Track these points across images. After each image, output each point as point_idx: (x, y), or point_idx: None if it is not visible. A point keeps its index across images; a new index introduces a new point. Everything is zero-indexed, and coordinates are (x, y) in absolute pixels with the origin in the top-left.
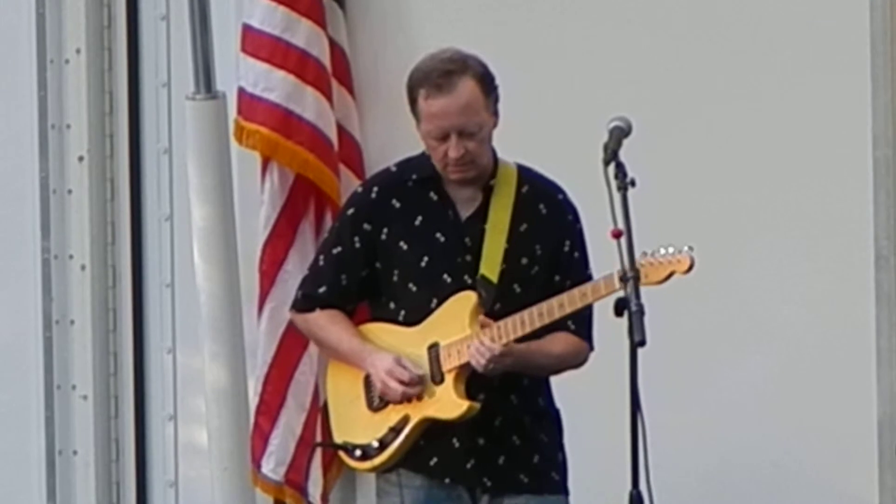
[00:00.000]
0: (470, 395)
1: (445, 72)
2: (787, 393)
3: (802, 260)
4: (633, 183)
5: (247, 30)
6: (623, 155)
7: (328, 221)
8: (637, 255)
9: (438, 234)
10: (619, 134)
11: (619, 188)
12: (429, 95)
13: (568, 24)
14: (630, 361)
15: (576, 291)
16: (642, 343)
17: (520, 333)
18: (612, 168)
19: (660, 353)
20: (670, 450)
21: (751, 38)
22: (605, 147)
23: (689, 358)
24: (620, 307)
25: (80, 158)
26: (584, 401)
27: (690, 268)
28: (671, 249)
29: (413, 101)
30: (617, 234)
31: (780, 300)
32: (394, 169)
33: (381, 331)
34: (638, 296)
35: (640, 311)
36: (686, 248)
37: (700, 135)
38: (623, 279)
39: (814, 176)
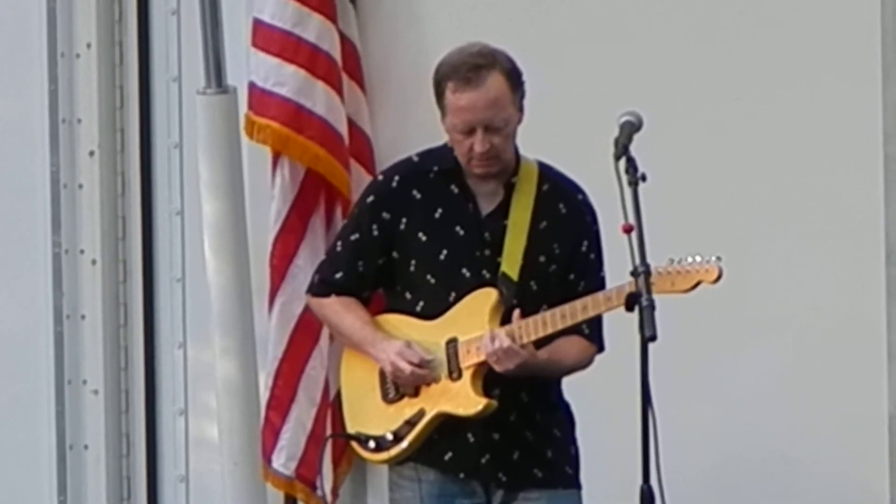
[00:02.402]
0: (486, 390)
1: (475, 66)
2: (798, 388)
3: (813, 255)
4: (643, 178)
5: (257, 24)
6: (634, 150)
7: (339, 216)
8: (664, 261)
9: (458, 228)
10: (630, 129)
11: (629, 183)
12: (457, 89)
13: (579, 19)
14: (641, 356)
15: (600, 295)
16: (653, 338)
17: (541, 334)
18: (622, 163)
19: (670, 348)
20: (681, 444)
21: (762, 34)
22: (616, 142)
23: (699, 353)
24: (631, 302)
25: (91, 153)
26: (595, 395)
27: (718, 278)
28: (699, 258)
29: (440, 95)
30: (628, 229)
31: (790, 295)
32: (416, 159)
33: (398, 322)
34: (649, 291)
35: (651, 306)
36: (714, 259)
37: (710, 130)
38: (634, 274)
39: (824, 172)
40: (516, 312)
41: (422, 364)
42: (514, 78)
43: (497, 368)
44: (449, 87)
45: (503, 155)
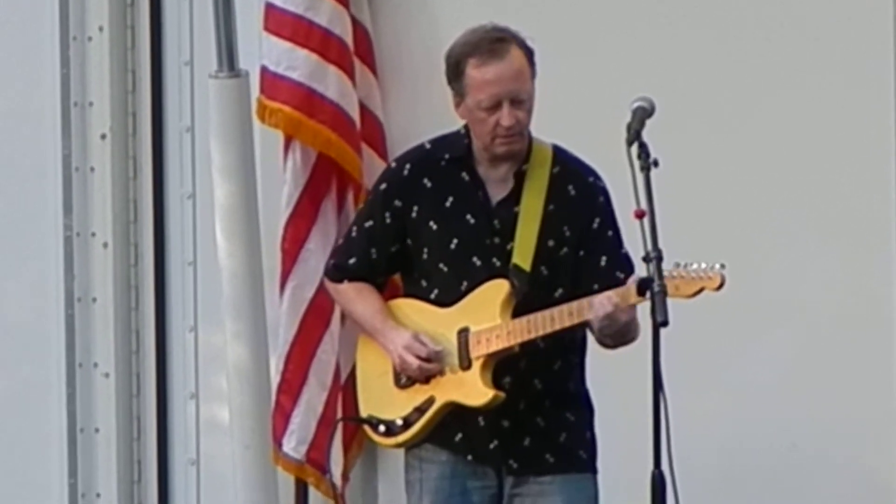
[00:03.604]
0: (495, 379)
1: (496, 39)
2: (807, 378)
3: (823, 247)
4: (656, 163)
5: (270, 8)
6: (646, 136)
7: (350, 200)
8: (670, 264)
9: (468, 216)
10: (643, 114)
11: (642, 168)
12: (481, 63)
13: (592, 7)
14: (653, 342)
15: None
16: (665, 323)
17: (549, 330)
18: (634, 148)
19: (682, 338)
20: (692, 432)
21: (775, 29)
22: (629, 127)
23: (710, 343)
24: (643, 287)
25: (103, 136)
26: (607, 381)
27: (721, 286)
28: (703, 265)
29: (459, 74)
30: (640, 215)
31: (801, 287)
32: (428, 146)
33: (410, 308)
34: (661, 276)
35: (663, 292)
36: (718, 266)
37: (721, 122)
38: (646, 259)
39: (835, 165)
40: None
41: (429, 357)
42: (529, 53)
43: (604, 330)
44: (471, 64)
45: (525, 132)
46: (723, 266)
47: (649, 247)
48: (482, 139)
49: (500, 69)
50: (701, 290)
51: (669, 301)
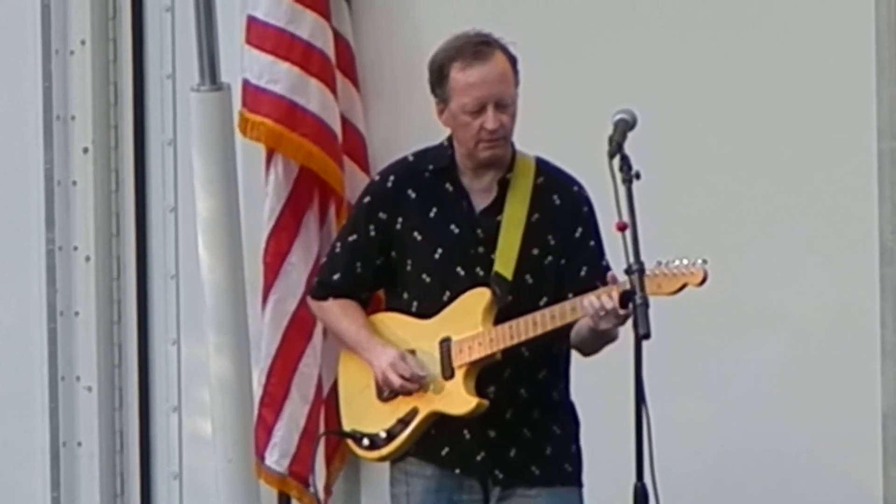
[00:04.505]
0: (479, 388)
1: (480, 43)
2: (792, 385)
3: (807, 252)
4: (637, 175)
5: (251, 21)
6: (628, 147)
7: (332, 213)
8: (652, 263)
9: (453, 226)
10: (624, 126)
11: (623, 181)
12: (466, 66)
13: (575, 16)
14: (635, 354)
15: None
16: (647, 336)
17: (531, 335)
18: (616, 160)
19: (665, 345)
20: (675, 441)
21: (756, 31)
22: (610, 139)
23: (693, 350)
24: (625, 300)
25: (85, 150)
26: (589, 393)
27: (704, 280)
28: (685, 261)
29: (443, 79)
30: (622, 227)
31: (784, 293)
32: (411, 158)
33: (392, 321)
34: (643, 289)
35: (645, 304)
36: (700, 261)
37: (705, 126)
38: (628, 272)
39: (819, 169)
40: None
41: (412, 379)
42: (513, 60)
43: (594, 324)
44: (455, 67)
45: (509, 137)
46: (704, 261)
47: (631, 259)
48: (466, 145)
49: (484, 72)
50: (684, 287)
51: (653, 300)
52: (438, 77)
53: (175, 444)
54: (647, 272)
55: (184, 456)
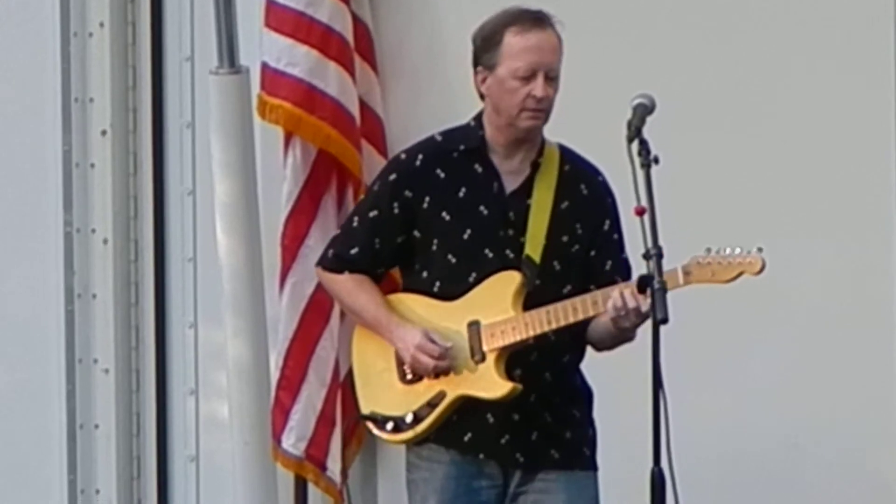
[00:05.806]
0: (507, 372)
1: (537, 12)
2: (808, 376)
3: (824, 246)
4: (656, 160)
5: (270, 4)
6: (646, 134)
7: (350, 197)
8: (702, 251)
9: (482, 207)
10: (643, 111)
11: (642, 165)
12: (524, 30)
13: (594, 4)
14: (653, 339)
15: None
16: (665, 320)
17: (570, 320)
18: (635, 145)
19: (683, 336)
20: (692, 430)
21: (775, 29)
22: (629, 124)
23: (711, 341)
24: (643, 284)
25: (103, 132)
26: (607, 378)
27: (762, 269)
28: (739, 249)
29: (495, 45)
30: (640, 212)
31: (802, 285)
32: (439, 138)
33: (413, 302)
34: (660, 273)
35: (663, 289)
36: (755, 250)
37: (722, 121)
38: (646, 257)
39: (836, 164)
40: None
41: (442, 357)
42: (560, 39)
43: (619, 323)
44: (511, 31)
45: (550, 112)
46: (760, 249)
47: (650, 243)
48: (508, 112)
49: (543, 37)
50: (740, 275)
51: (697, 288)
52: (489, 43)
53: (192, 427)
54: (700, 260)
55: (200, 439)
